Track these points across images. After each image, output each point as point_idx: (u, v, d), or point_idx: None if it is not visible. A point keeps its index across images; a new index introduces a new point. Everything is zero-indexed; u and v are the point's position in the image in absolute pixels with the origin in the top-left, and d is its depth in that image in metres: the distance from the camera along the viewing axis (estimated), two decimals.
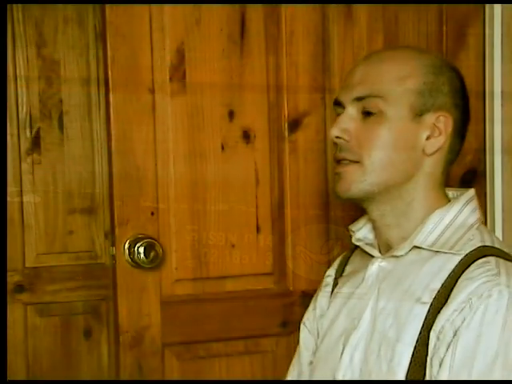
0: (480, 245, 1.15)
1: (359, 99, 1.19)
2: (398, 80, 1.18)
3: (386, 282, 1.21)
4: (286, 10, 1.77)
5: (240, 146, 1.76)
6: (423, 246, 1.18)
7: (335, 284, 1.38)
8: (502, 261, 1.13)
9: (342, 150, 1.20)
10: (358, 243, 1.31)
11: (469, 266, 1.11)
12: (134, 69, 1.68)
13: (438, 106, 1.20)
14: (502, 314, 1.05)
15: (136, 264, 1.68)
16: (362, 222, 1.33)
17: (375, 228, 1.27)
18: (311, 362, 1.37)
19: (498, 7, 1.83)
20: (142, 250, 1.67)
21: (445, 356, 1.07)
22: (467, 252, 1.14)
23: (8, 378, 1.90)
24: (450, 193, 1.28)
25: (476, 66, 1.88)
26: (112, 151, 1.69)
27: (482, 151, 1.90)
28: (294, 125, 1.77)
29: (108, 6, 1.67)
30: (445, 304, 1.10)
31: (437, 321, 1.09)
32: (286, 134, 1.78)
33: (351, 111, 1.20)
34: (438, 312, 1.10)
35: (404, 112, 1.18)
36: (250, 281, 1.79)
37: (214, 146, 1.74)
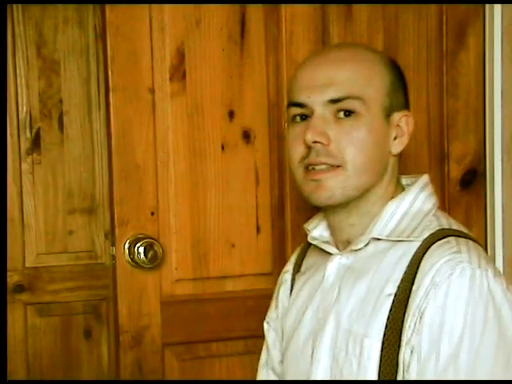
0: (438, 228, 1.15)
1: (334, 101, 1.16)
2: (369, 81, 1.18)
3: (347, 278, 1.20)
4: (285, 9, 1.77)
5: (240, 146, 1.76)
6: (381, 237, 1.17)
7: (293, 280, 1.37)
8: (462, 239, 1.12)
9: (319, 155, 1.16)
10: (313, 242, 1.29)
11: (429, 248, 1.11)
12: (134, 69, 1.68)
13: (400, 106, 1.21)
14: (465, 292, 1.04)
15: (136, 264, 1.68)
16: (316, 219, 1.32)
17: (335, 227, 1.24)
18: (281, 361, 1.36)
19: (497, 7, 1.83)
20: (141, 250, 1.67)
21: (415, 343, 1.06)
22: (426, 237, 1.13)
23: (8, 378, 1.90)
24: (404, 180, 1.27)
25: (476, 65, 1.89)
26: (112, 151, 1.69)
27: (482, 151, 1.90)
28: None
29: (108, 6, 1.67)
30: (410, 292, 1.08)
31: (406, 312, 1.08)
32: (286, 133, 1.78)
33: (324, 114, 1.16)
34: (405, 303, 1.09)
35: (378, 113, 1.18)
36: (250, 281, 1.79)
37: (214, 146, 1.74)
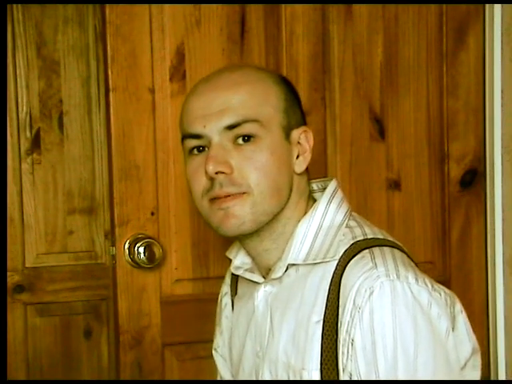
0: (352, 242, 1.11)
1: (231, 127, 1.11)
2: (265, 102, 1.13)
3: (276, 307, 1.16)
4: (285, 9, 1.77)
5: None
6: (297, 262, 1.13)
7: (233, 302, 1.35)
8: (376, 250, 1.08)
9: (223, 186, 1.11)
10: (237, 272, 1.25)
11: (345, 268, 1.07)
12: (134, 69, 1.68)
13: (298, 122, 1.18)
14: (388, 307, 1.01)
15: (136, 264, 1.68)
16: (235, 247, 1.28)
17: (252, 255, 1.21)
18: None
19: (497, 7, 1.83)
20: (141, 249, 1.67)
21: (351, 368, 1.03)
22: (341, 254, 1.10)
23: (8, 378, 1.90)
24: (315, 185, 1.23)
25: (476, 65, 1.88)
26: (112, 151, 1.69)
27: (482, 151, 1.90)
28: None
29: (108, 6, 1.67)
30: (337, 318, 1.06)
31: (338, 337, 1.05)
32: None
33: (222, 142, 1.11)
34: (335, 328, 1.06)
35: (278, 133, 1.14)
36: None
37: None
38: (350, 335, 1.03)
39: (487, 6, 1.86)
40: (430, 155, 1.87)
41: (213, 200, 1.13)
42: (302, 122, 1.19)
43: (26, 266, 2.05)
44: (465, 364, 1.07)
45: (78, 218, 2.08)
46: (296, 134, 1.16)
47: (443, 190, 1.88)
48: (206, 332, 1.75)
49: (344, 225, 1.15)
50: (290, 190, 1.15)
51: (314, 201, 1.19)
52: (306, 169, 1.19)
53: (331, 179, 1.21)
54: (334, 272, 1.09)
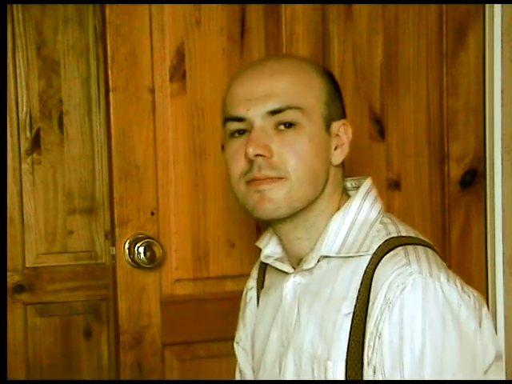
0: (386, 238, 1.12)
1: (274, 113, 1.12)
2: (308, 91, 1.15)
3: (305, 298, 1.17)
4: (285, 9, 1.77)
5: None
6: (330, 254, 1.15)
7: (258, 296, 1.35)
8: (410, 248, 1.10)
9: (262, 168, 1.12)
10: (267, 261, 1.26)
11: (378, 263, 1.08)
12: (134, 69, 1.68)
13: (338, 115, 1.19)
14: (420, 303, 1.02)
15: (136, 264, 1.69)
16: (267, 236, 1.29)
17: (284, 242, 1.21)
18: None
19: (497, 7, 1.83)
20: (141, 249, 1.67)
21: (376, 362, 1.04)
22: (375, 250, 1.11)
23: (8, 378, 1.90)
24: (349, 183, 1.25)
25: (476, 65, 1.89)
26: (112, 151, 1.69)
27: (482, 151, 1.90)
28: None
29: (108, 6, 1.67)
30: (367, 311, 1.07)
31: (366, 330, 1.06)
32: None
33: (264, 126, 1.13)
34: (364, 322, 1.07)
35: (319, 123, 1.15)
36: None
37: (214, 146, 1.74)
38: (377, 329, 1.04)
39: (487, 5, 1.86)
40: (430, 155, 1.87)
41: (250, 182, 1.14)
42: (342, 115, 1.21)
43: (26, 266, 2.05)
44: (488, 368, 1.07)
45: (78, 218, 2.08)
46: (336, 126, 1.18)
47: (443, 190, 1.88)
48: (205, 332, 1.75)
49: (378, 221, 1.16)
50: (326, 181, 1.17)
51: (348, 197, 1.21)
52: (342, 163, 1.21)
53: (366, 178, 1.22)
54: (367, 267, 1.10)
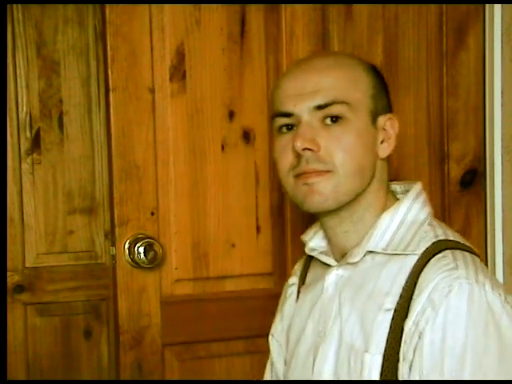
0: (434, 240, 1.14)
1: (320, 107, 1.16)
2: (355, 86, 1.18)
3: (347, 291, 1.19)
4: (285, 9, 1.77)
5: (240, 146, 1.76)
6: (376, 250, 1.17)
7: (299, 292, 1.37)
8: (458, 253, 1.11)
9: (310, 162, 1.15)
10: (311, 253, 1.30)
11: (425, 264, 1.10)
12: (134, 69, 1.69)
13: (385, 109, 1.22)
14: (464, 308, 1.04)
15: (136, 264, 1.69)
16: (312, 230, 1.32)
17: (330, 235, 1.24)
18: (285, 374, 1.35)
19: (498, 7, 1.83)
20: (142, 250, 1.67)
21: (413, 359, 1.06)
22: (422, 250, 1.13)
23: (8, 378, 1.90)
24: (398, 187, 1.27)
25: (476, 65, 1.89)
26: (112, 151, 1.69)
27: (482, 151, 1.90)
28: None
29: (108, 6, 1.67)
30: (408, 309, 1.08)
31: (404, 327, 1.08)
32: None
33: (311, 121, 1.16)
34: (404, 318, 1.08)
35: (365, 117, 1.18)
36: (250, 281, 1.79)
37: (214, 146, 1.74)
38: (417, 326, 1.06)
39: (487, 6, 1.86)
40: (430, 155, 1.87)
41: (298, 176, 1.17)
42: (389, 109, 1.23)
43: (26, 265, 2.04)
44: None
45: (78, 218, 2.08)
46: (382, 120, 1.20)
47: (443, 190, 1.88)
48: (206, 332, 1.75)
49: (426, 223, 1.18)
50: (373, 174, 1.19)
51: (396, 199, 1.23)
52: (388, 158, 1.23)
53: (415, 182, 1.25)
54: (414, 266, 1.12)
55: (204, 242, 1.75)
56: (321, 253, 1.28)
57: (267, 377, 1.44)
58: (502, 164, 1.84)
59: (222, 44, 1.74)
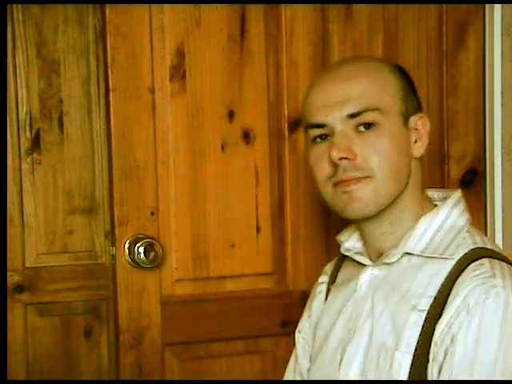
0: (472, 247, 1.15)
1: (353, 116, 1.17)
2: (384, 91, 1.19)
3: (380, 290, 1.21)
4: (285, 9, 1.77)
5: (240, 146, 1.76)
6: (414, 252, 1.18)
7: (328, 291, 1.38)
8: (496, 261, 1.12)
9: (347, 170, 1.17)
10: (347, 253, 1.31)
11: (463, 270, 1.11)
12: (134, 69, 1.68)
13: (415, 109, 1.23)
14: (500, 316, 1.05)
15: (136, 264, 1.68)
16: (348, 231, 1.33)
17: (367, 237, 1.25)
18: (309, 370, 1.36)
19: (497, 7, 1.83)
20: (142, 249, 1.67)
21: (443, 361, 1.07)
22: (460, 256, 1.14)
23: (8, 378, 1.90)
24: (436, 194, 1.28)
25: (476, 65, 1.89)
26: (112, 151, 1.69)
27: (482, 151, 1.90)
28: (294, 125, 1.77)
29: (108, 6, 1.67)
30: (442, 311, 1.09)
31: (436, 328, 1.09)
32: (286, 133, 1.78)
33: (345, 130, 1.17)
34: (436, 320, 1.09)
35: (397, 120, 1.19)
36: (250, 281, 1.79)
37: (214, 146, 1.74)
38: (450, 329, 1.07)
39: (487, 6, 1.86)
40: (429, 155, 1.87)
41: (337, 184, 1.18)
42: (418, 108, 1.25)
43: (26, 265, 2.05)
44: None
45: (78, 218, 2.08)
46: (413, 120, 1.22)
47: None
48: (206, 332, 1.75)
49: (465, 229, 1.20)
50: (409, 175, 1.21)
51: (434, 206, 1.24)
52: (420, 158, 1.24)
53: (455, 190, 1.27)
54: (451, 270, 1.13)
55: (204, 242, 1.75)
56: (356, 253, 1.29)
57: (290, 371, 1.44)
58: (502, 164, 1.84)
59: (222, 44, 1.74)
